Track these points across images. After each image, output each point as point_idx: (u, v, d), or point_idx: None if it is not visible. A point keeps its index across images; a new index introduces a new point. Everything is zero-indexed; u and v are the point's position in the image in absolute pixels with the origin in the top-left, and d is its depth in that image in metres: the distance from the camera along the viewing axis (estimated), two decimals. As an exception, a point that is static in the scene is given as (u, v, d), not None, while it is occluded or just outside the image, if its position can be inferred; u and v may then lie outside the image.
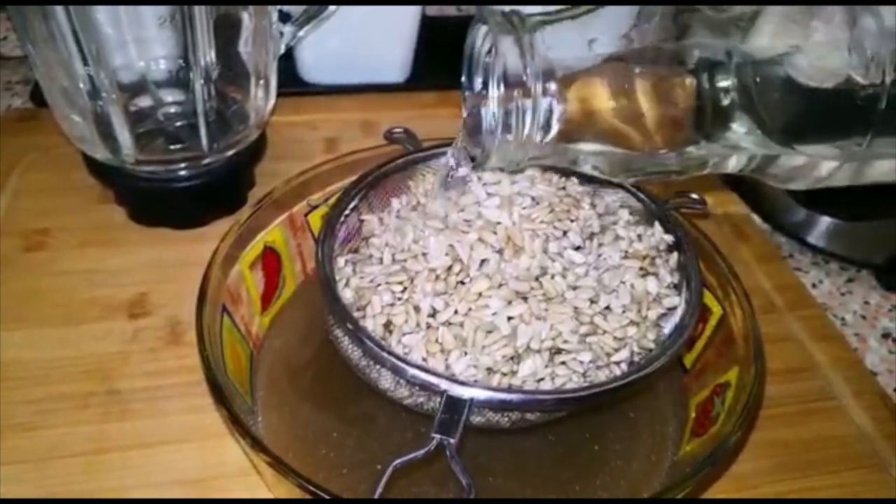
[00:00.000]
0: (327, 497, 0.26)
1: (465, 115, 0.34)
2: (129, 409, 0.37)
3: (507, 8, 0.31)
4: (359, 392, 0.36)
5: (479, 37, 0.32)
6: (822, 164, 0.30)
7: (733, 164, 0.31)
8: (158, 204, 0.46)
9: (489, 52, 0.32)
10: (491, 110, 0.31)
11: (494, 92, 0.31)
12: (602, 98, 0.30)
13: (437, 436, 0.27)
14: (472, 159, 0.34)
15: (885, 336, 0.47)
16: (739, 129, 0.29)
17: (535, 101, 0.29)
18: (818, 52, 0.27)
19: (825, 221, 0.51)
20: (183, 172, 0.45)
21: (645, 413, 0.37)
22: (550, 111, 0.30)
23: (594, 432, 0.36)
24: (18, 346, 0.39)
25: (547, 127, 0.30)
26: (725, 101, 0.29)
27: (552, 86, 0.29)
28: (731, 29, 0.29)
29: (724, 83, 0.29)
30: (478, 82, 0.33)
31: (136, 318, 0.41)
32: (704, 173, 0.32)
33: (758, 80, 0.28)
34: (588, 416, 0.37)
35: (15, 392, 0.37)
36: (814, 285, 0.51)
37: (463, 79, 0.33)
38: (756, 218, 0.54)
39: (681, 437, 0.35)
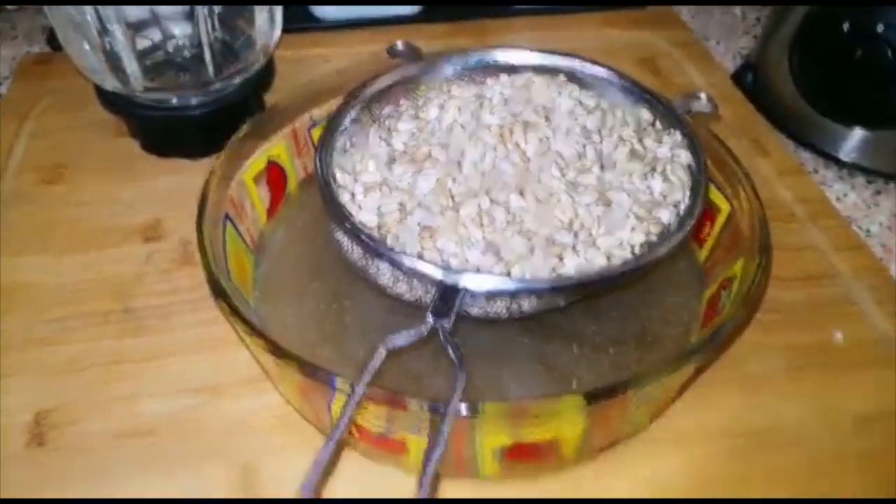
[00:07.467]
0: (331, 377, 0.26)
1: None
2: (143, 325, 0.38)
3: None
4: (359, 292, 0.36)
5: None
6: None
7: None
8: (170, 134, 0.47)
9: None
10: None
11: None
12: None
13: (431, 318, 0.27)
14: None
15: (914, 246, 0.45)
16: None
17: None
18: None
19: (851, 132, 0.50)
20: (193, 101, 0.45)
21: (658, 308, 0.37)
22: None
23: (598, 323, 0.36)
24: (41, 270, 0.40)
25: None
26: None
27: None
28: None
29: None
30: None
31: (150, 242, 0.42)
32: None
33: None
34: (591, 308, 0.36)
35: (38, 312, 0.38)
36: (838, 198, 0.49)
37: None
38: (779, 134, 0.53)
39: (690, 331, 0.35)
